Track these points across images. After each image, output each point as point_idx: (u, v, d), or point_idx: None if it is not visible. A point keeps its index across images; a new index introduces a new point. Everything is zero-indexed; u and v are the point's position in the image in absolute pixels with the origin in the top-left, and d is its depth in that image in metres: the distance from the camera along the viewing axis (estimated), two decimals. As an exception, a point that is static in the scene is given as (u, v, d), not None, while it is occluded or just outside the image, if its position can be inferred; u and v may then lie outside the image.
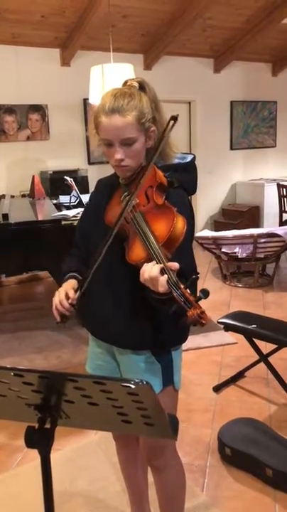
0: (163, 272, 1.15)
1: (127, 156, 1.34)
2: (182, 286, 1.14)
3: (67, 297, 1.37)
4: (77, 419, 1.01)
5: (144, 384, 0.82)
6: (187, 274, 1.22)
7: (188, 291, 1.14)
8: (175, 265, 1.18)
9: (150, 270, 1.16)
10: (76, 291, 1.39)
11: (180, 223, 1.26)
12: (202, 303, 1.13)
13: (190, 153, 1.49)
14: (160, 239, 1.23)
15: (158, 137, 1.36)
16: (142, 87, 1.38)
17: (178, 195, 1.39)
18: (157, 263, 1.18)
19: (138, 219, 1.29)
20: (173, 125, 1.29)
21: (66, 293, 1.38)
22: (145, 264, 1.19)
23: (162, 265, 1.16)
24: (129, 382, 0.82)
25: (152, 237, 1.24)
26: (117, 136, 1.32)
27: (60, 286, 1.45)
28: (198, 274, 1.34)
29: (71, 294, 1.38)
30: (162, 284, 1.14)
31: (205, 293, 1.14)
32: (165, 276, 1.15)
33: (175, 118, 1.28)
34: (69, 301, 1.37)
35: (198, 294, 1.14)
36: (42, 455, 1.02)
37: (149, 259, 1.20)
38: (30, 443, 0.99)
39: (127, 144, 1.33)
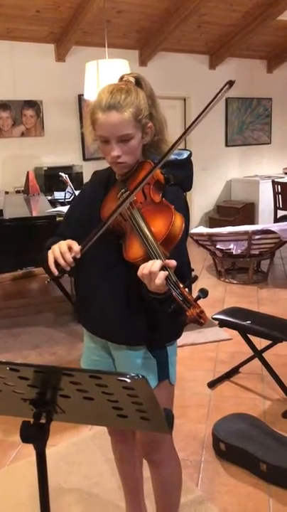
0: (162, 269, 1.15)
1: (124, 153, 1.34)
2: (181, 286, 1.14)
3: (70, 250, 1.28)
4: (72, 414, 1.01)
5: (140, 378, 0.82)
6: (184, 273, 1.21)
7: (187, 290, 1.14)
8: (173, 263, 1.17)
9: (151, 265, 1.14)
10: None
11: (179, 221, 1.25)
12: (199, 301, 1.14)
13: (186, 150, 1.48)
14: (159, 237, 1.22)
15: (158, 139, 1.35)
16: (138, 82, 1.38)
17: (175, 193, 1.38)
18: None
19: (135, 216, 1.28)
20: (228, 88, 1.25)
21: (69, 245, 1.29)
22: (148, 262, 1.17)
23: (163, 263, 1.15)
24: (125, 376, 0.82)
25: (150, 235, 1.22)
26: (114, 133, 1.31)
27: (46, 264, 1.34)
28: (193, 270, 1.34)
29: (75, 246, 1.28)
30: (160, 277, 1.13)
31: (204, 292, 1.13)
32: (165, 272, 1.14)
33: (231, 83, 1.24)
34: (73, 254, 1.27)
35: (196, 294, 1.14)
36: (37, 450, 1.01)
37: (147, 257, 1.19)
38: (25, 438, 0.99)
39: (124, 141, 1.32)
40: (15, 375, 0.89)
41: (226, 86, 1.24)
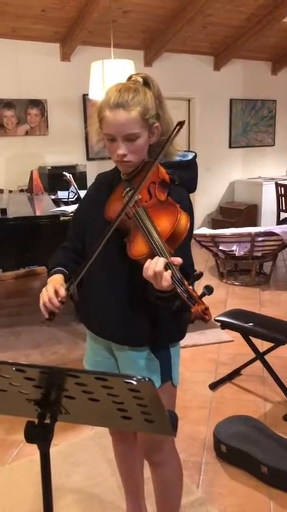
0: (166, 267, 1.15)
1: (130, 152, 1.34)
2: (186, 283, 1.14)
3: (57, 294, 1.35)
4: (76, 415, 1.01)
5: (146, 381, 0.82)
6: (188, 271, 1.22)
7: (192, 287, 1.14)
8: (179, 260, 1.17)
9: (154, 265, 1.15)
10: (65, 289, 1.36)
11: (184, 220, 1.26)
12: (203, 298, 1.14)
13: (191, 151, 1.48)
14: (164, 235, 1.23)
15: (164, 139, 1.35)
16: (146, 82, 1.38)
17: (180, 193, 1.38)
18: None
19: (140, 214, 1.29)
20: (179, 130, 1.27)
21: (55, 290, 1.35)
22: (149, 260, 1.17)
23: (166, 260, 1.16)
24: (131, 378, 0.83)
25: (155, 232, 1.23)
26: (121, 132, 1.32)
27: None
28: (196, 272, 1.34)
29: (61, 291, 1.35)
30: (166, 279, 1.14)
31: (209, 289, 1.14)
32: (169, 271, 1.14)
33: (181, 123, 1.26)
34: (59, 298, 1.34)
35: (201, 291, 1.14)
36: (41, 450, 1.02)
37: (151, 255, 1.19)
38: (29, 438, 1.00)
39: (130, 140, 1.33)
40: (21, 375, 0.90)
41: (177, 127, 1.27)
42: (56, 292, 1.34)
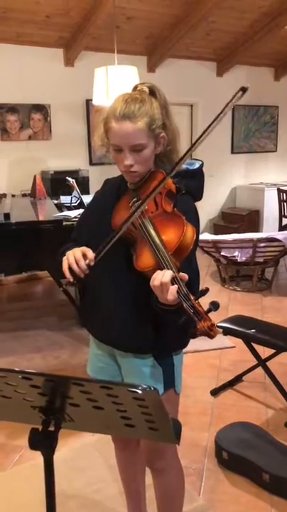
0: (173, 281, 1.15)
1: (136, 162, 1.34)
2: (192, 298, 1.14)
3: (85, 257, 1.29)
4: (80, 422, 1.02)
5: (151, 390, 0.83)
6: (194, 283, 1.22)
7: (198, 302, 1.14)
8: (186, 277, 1.18)
9: (161, 277, 1.15)
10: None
11: (190, 233, 1.25)
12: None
13: (198, 160, 1.48)
14: (170, 248, 1.22)
15: (170, 149, 1.35)
16: (152, 92, 1.39)
17: (186, 202, 1.39)
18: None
19: (146, 225, 1.29)
20: (242, 96, 1.21)
21: (83, 253, 1.29)
22: (158, 271, 1.17)
23: (174, 274, 1.15)
24: (136, 387, 0.83)
25: (161, 245, 1.23)
26: (127, 143, 1.32)
27: (58, 272, 1.36)
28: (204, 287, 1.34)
29: (89, 254, 1.28)
30: (172, 293, 1.14)
31: (215, 305, 1.13)
32: (176, 286, 1.14)
33: (244, 89, 1.21)
34: (87, 261, 1.28)
35: (207, 306, 1.14)
36: (45, 457, 1.02)
37: (158, 268, 1.19)
38: (33, 445, 1.00)
39: (137, 150, 1.33)
40: (27, 383, 0.90)
41: (240, 92, 1.21)
42: (84, 255, 1.29)
